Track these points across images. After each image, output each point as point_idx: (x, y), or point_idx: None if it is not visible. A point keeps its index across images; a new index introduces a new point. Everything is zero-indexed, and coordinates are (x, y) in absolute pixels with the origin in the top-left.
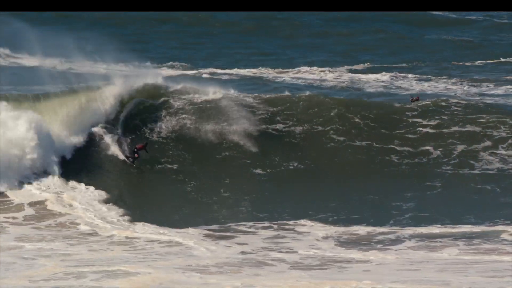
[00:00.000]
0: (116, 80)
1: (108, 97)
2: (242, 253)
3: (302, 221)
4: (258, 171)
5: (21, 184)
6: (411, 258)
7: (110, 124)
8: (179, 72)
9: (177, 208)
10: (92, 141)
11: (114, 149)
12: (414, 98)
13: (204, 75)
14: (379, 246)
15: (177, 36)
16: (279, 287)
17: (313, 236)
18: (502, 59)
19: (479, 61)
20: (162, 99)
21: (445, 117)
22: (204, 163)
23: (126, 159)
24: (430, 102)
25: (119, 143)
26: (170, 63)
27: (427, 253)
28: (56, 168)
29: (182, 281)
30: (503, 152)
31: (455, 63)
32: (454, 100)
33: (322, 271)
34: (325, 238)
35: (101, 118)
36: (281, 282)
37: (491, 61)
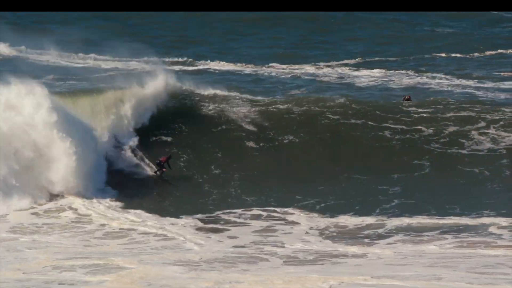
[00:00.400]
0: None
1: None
2: (234, 247)
3: (290, 209)
4: (251, 144)
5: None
6: (401, 252)
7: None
8: (176, 68)
9: (167, 191)
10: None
11: (141, 164)
12: (406, 97)
13: (195, 69)
14: (367, 240)
15: (173, 30)
16: (272, 281)
17: (302, 227)
18: (494, 52)
19: (471, 54)
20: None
21: (440, 106)
22: (199, 135)
23: (154, 174)
24: (426, 97)
25: (141, 158)
26: (170, 59)
27: (416, 247)
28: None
29: (172, 276)
30: (493, 131)
31: (447, 55)
32: (448, 93)
33: (315, 266)
34: (313, 230)
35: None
36: (274, 276)
37: (484, 54)
